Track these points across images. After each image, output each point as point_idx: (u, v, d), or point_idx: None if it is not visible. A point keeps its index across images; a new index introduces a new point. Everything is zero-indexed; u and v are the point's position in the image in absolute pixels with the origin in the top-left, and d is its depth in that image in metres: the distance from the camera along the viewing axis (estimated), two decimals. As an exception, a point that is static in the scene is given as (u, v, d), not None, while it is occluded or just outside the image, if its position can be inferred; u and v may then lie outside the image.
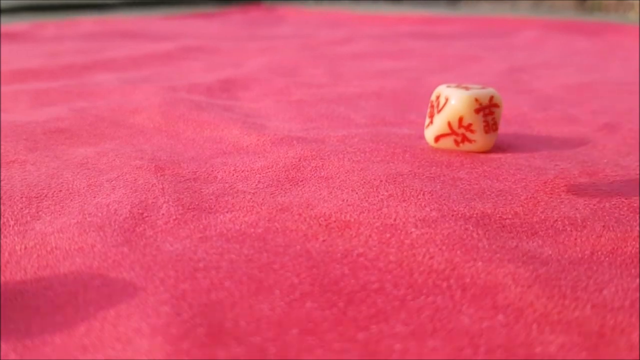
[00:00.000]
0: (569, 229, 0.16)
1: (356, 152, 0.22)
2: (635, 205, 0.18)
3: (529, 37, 0.66)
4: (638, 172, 0.20)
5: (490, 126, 0.22)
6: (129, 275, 0.14)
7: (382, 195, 0.18)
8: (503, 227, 0.16)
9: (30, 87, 0.35)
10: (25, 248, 0.15)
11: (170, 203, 0.18)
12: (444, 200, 0.18)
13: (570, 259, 0.15)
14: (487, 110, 0.22)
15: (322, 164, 0.21)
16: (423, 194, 0.18)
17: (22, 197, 0.18)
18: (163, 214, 0.17)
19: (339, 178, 0.20)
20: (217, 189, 0.19)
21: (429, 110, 0.24)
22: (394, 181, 0.19)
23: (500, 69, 0.43)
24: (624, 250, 0.15)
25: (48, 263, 0.14)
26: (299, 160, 0.21)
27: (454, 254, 0.14)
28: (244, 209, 0.17)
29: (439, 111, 0.23)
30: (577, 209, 0.17)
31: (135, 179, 0.20)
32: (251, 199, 0.18)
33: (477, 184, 0.19)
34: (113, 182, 0.19)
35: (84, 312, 0.12)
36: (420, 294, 0.13)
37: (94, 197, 0.18)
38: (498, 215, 0.17)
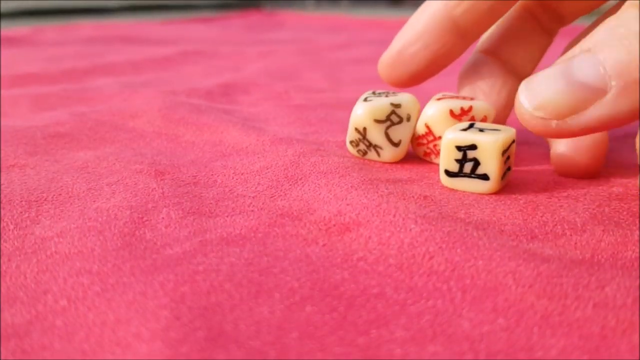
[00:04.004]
0: (568, 233, 0.16)
1: (355, 155, 0.22)
2: (635, 209, 0.18)
3: (528, 42, 0.66)
4: (638, 176, 0.20)
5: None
6: (129, 280, 0.14)
7: (382, 192, 0.18)
8: (502, 231, 0.16)
9: (30, 91, 0.35)
10: (25, 252, 0.15)
11: (170, 207, 0.18)
12: (444, 204, 0.18)
13: (572, 259, 0.14)
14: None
15: (322, 160, 0.21)
16: (423, 198, 0.18)
17: (21, 201, 0.18)
18: (163, 218, 0.17)
19: (338, 173, 0.20)
20: (217, 193, 0.19)
21: None
22: (394, 183, 0.19)
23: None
24: (624, 254, 0.15)
25: (47, 267, 0.14)
26: (298, 157, 0.21)
27: (454, 252, 0.14)
28: (244, 213, 0.17)
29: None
30: (576, 213, 0.17)
31: (135, 183, 0.20)
32: (251, 203, 0.18)
33: (477, 187, 0.19)
34: (113, 186, 0.19)
35: (83, 317, 0.12)
36: (421, 298, 0.13)
37: (94, 201, 0.18)
38: (497, 221, 0.17)
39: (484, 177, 0.19)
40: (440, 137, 0.21)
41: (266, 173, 0.20)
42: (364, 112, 0.21)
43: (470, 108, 0.20)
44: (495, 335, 0.12)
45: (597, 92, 0.15)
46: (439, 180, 0.20)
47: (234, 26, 0.85)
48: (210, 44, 0.60)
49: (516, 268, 0.14)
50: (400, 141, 0.21)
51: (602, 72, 0.15)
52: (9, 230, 0.16)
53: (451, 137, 0.19)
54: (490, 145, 0.18)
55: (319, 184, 0.19)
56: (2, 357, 0.11)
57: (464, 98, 0.21)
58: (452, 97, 0.21)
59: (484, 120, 0.21)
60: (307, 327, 0.12)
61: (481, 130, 0.19)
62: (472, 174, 0.19)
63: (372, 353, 0.11)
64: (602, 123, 0.15)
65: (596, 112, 0.15)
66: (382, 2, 1.50)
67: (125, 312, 0.12)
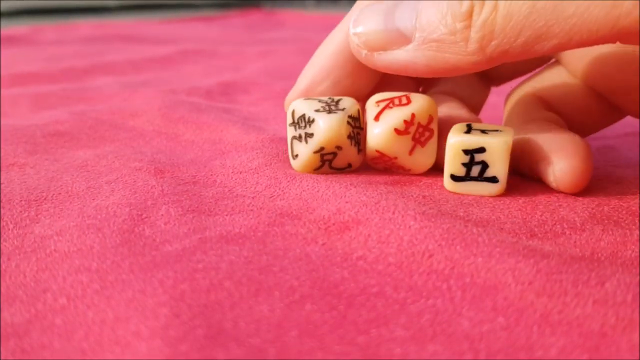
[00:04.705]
0: (568, 231, 0.16)
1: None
2: (634, 208, 0.18)
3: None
4: (637, 175, 0.20)
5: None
6: (128, 277, 0.14)
7: (381, 190, 0.18)
8: (502, 229, 0.16)
9: (30, 90, 0.35)
10: (25, 251, 0.15)
11: (170, 204, 0.18)
12: (443, 203, 0.18)
13: (572, 255, 0.14)
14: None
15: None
16: (422, 197, 0.18)
17: (21, 200, 0.18)
18: (162, 215, 0.17)
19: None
20: (217, 192, 0.19)
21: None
22: (393, 183, 0.19)
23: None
24: (624, 253, 0.15)
25: (47, 266, 0.14)
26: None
27: (453, 249, 0.14)
28: (243, 212, 0.17)
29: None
30: (575, 212, 0.17)
31: (134, 181, 0.20)
32: (250, 202, 0.18)
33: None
34: (112, 184, 0.19)
35: (82, 316, 0.12)
36: (420, 297, 0.13)
37: (93, 199, 0.18)
38: (496, 220, 0.17)
39: (493, 179, 0.18)
40: (396, 157, 0.19)
41: (265, 171, 0.20)
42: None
43: (413, 117, 0.19)
44: (495, 335, 0.12)
45: (403, 39, 0.17)
46: (437, 182, 0.19)
47: (233, 25, 0.85)
48: (210, 43, 0.60)
49: (516, 265, 0.14)
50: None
51: (413, 23, 0.16)
52: (9, 229, 0.16)
53: (457, 140, 0.18)
54: (500, 146, 0.18)
55: (317, 182, 0.19)
56: (2, 357, 0.11)
57: (399, 100, 0.19)
58: (387, 105, 0.19)
59: (430, 120, 0.19)
60: (307, 325, 0.12)
61: (483, 131, 0.18)
62: (480, 177, 0.18)
63: (372, 352, 0.11)
64: (401, 67, 0.17)
65: (397, 55, 0.17)
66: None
67: (124, 310, 0.12)
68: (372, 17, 0.18)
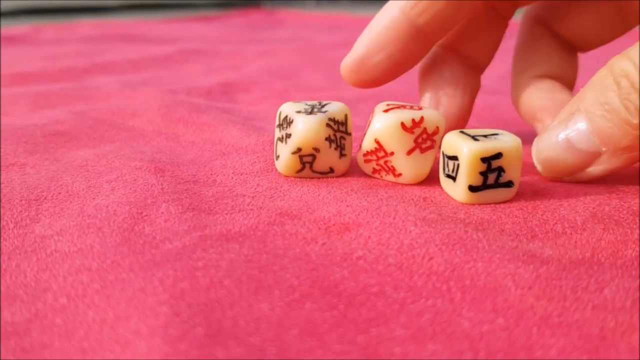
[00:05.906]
0: (568, 231, 0.16)
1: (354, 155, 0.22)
2: (635, 208, 0.18)
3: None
4: (638, 175, 0.21)
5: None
6: (128, 276, 0.14)
7: (382, 195, 0.18)
8: (502, 231, 0.16)
9: (30, 90, 0.35)
10: (25, 251, 0.15)
11: (170, 202, 0.18)
12: (444, 204, 0.18)
13: (571, 259, 0.15)
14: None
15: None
16: (423, 200, 0.18)
17: (21, 200, 0.18)
18: (162, 213, 0.17)
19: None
20: (217, 192, 0.19)
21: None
22: (393, 187, 0.19)
23: (501, 71, 0.43)
24: (625, 252, 0.15)
25: (47, 265, 0.14)
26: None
27: (453, 254, 0.14)
28: (243, 211, 0.17)
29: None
30: (576, 212, 0.17)
31: (134, 180, 0.20)
32: (250, 202, 0.18)
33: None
34: (112, 183, 0.19)
35: (82, 315, 0.12)
36: (420, 297, 0.13)
37: (93, 198, 0.18)
38: (497, 220, 0.17)
39: (509, 184, 0.18)
40: (392, 153, 0.19)
41: (266, 174, 0.20)
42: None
43: (422, 119, 0.18)
44: (495, 335, 0.12)
45: (593, 155, 0.18)
46: (438, 182, 0.19)
47: (234, 25, 0.85)
48: (210, 43, 0.60)
49: (515, 270, 0.14)
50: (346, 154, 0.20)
51: (595, 143, 0.18)
52: (9, 229, 0.16)
53: (473, 149, 0.17)
54: (515, 150, 0.17)
55: (318, 185, 0.19)
56: (2, 356, 0.11)
57: (411, 107, 0.19)
58: (398, 107, 0.19)
59: (436, 131, 0.19)
60: (307, 324, 0.12)
61: (486, 136, 0.18)
62: (496, 184, 0.18)
63: (372, 351, 0.11)
64: (605, 174, 0.19)
65: (597, 169, 0.18)
66: (381, 1, 1.50)
67: (124, 309, 0.12)
68: (553, 149, 0.19)
